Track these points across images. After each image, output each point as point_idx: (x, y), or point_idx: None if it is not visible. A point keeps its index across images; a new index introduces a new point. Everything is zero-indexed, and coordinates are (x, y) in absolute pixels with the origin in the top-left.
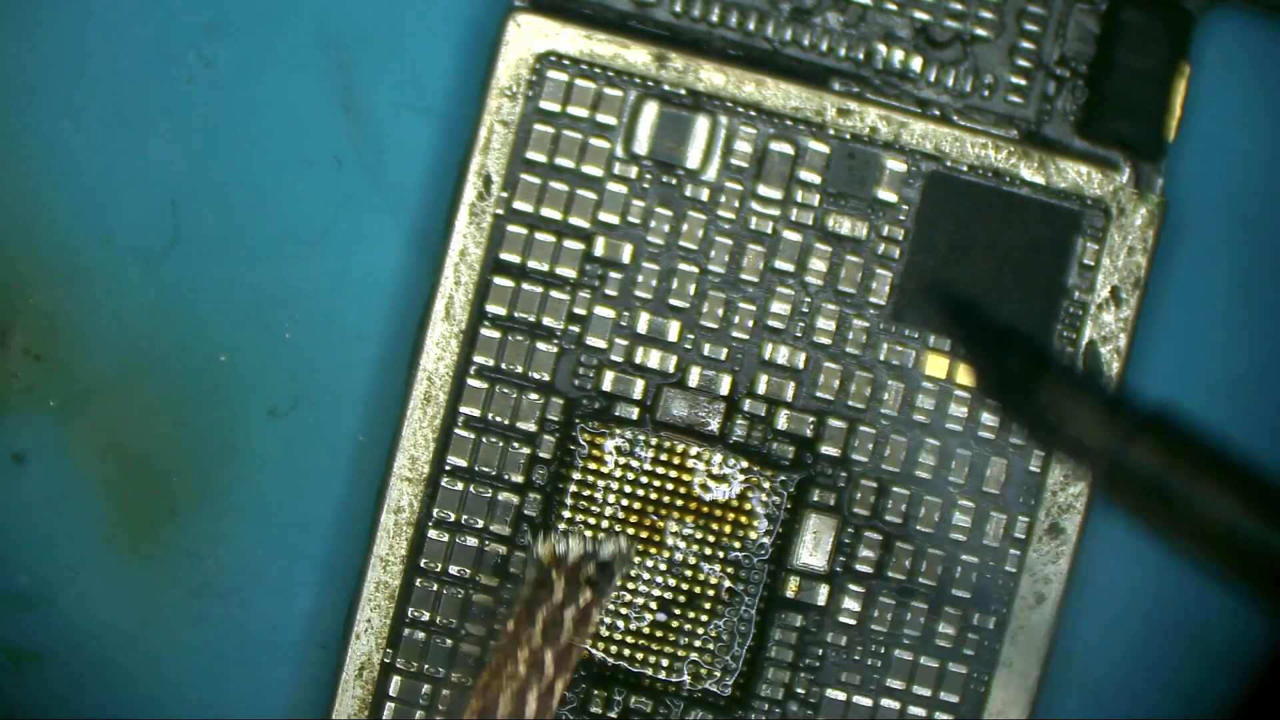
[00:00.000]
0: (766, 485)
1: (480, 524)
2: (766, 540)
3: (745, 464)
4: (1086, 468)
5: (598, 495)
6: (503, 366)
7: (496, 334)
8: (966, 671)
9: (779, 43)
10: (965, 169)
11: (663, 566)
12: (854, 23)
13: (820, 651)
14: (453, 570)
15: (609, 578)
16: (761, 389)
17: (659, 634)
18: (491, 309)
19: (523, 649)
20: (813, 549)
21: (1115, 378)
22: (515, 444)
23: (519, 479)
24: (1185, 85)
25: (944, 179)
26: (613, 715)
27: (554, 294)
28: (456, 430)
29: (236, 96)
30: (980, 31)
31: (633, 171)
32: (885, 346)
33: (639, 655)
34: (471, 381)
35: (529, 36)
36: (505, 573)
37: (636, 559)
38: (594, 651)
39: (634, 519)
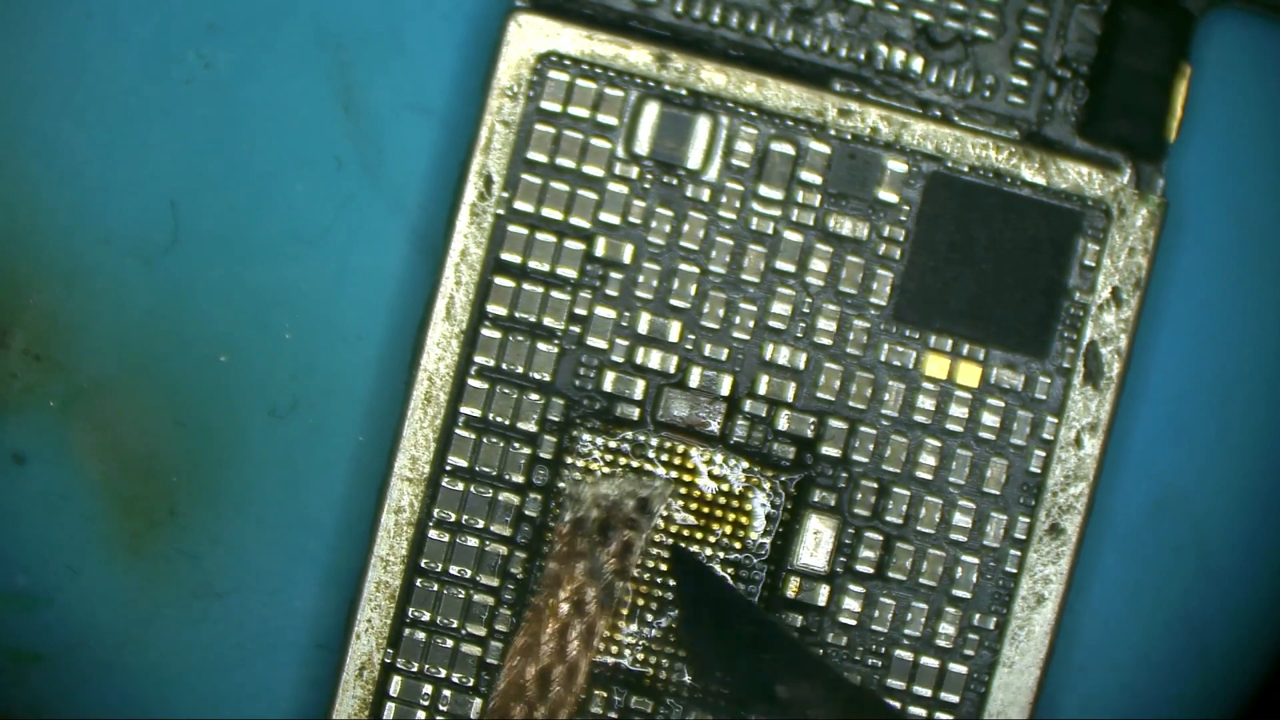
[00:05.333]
0: (767, 486)
1: (481, 524)
2: (767, 541)
3: (746, 464)
4: None
5: None
6: (503, 367)
7: (497, 334)
8: (967, 672)
9: (780, 43)
10: (966, 169)
11: (664, 567)
12: (855, 23)
13: (821, 652)
14: (453, 570)
15: (648, 516)
16: (762, 389)
17: (660, 634)
18: (492, 309)
19: (564, 588)
20: (813, 549)
21: (1116, 379)
22: (516, 444)
23: (519, 479)
24: (1186, 86)
25: (945, 179)
26: (613, 715)
27: (555, 294)
28: (457, 430)
29: (236, 96)
30: (981, 32)
31: (634, 172)
32: (886, 347)
33: (640, 655)
34: (472, 382)
35: (530, 37)
36: (506, 573)
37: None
38: (597, 651)
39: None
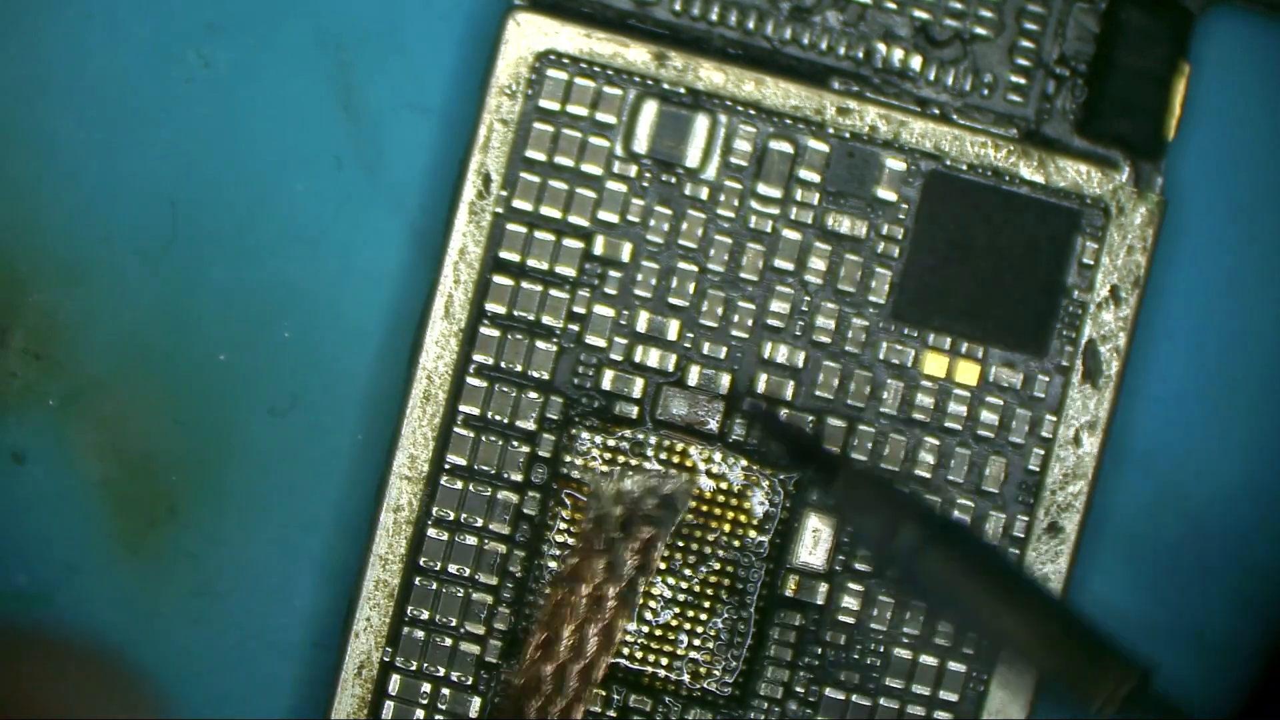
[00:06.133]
0: (766, 484)
1: (479, 523)
2: (766, 539)
3: (745, 463)
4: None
5: None
6: (502, 365)
7: (496, 332)
8: (965, 670)
9: (779, 41)
10: (965, 168)
11: (662, 565)
12: (854, 21)
13: (819, 650)
14: (452, 569)
15: (672, 512)
16: (761, 388)
17: (658, 632)
18: (491, 307)
19: (585, 584)
20: (812, 548)
21: (1115, 377)
22: (514, 443)
23: (518, 477)
24: (1185, 84)
25: (944, 178)
26: (612, 714)
27: (553, 292)
28: (456, 429)
29: (236, 96)
30: (980, 30)
31: (632, 170)
32: (884, 345)
33: (638, 654)
34: (471, 380)
35: (529, 35)
36: (505, 571)
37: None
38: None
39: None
